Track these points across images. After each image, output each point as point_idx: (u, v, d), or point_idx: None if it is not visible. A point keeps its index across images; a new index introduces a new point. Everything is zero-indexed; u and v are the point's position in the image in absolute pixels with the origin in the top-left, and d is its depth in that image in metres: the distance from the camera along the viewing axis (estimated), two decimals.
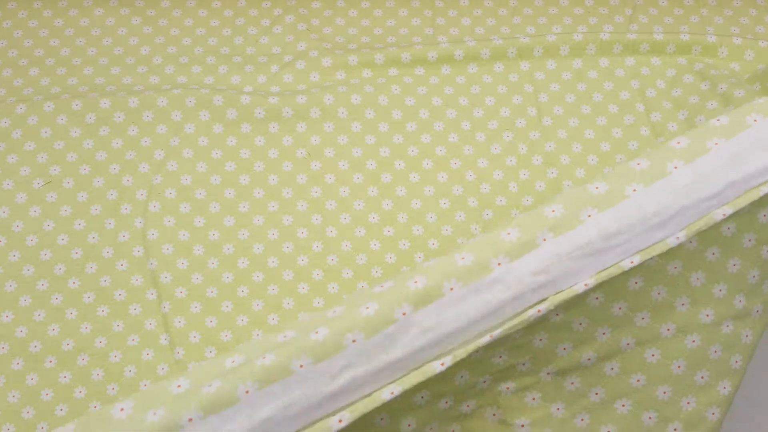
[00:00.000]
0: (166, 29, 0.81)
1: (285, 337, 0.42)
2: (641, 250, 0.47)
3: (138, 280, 0.67)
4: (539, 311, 0.46)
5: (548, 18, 0.84)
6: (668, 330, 0.53)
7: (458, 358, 0.45)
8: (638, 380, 0.54)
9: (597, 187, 0.47)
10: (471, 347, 0.45)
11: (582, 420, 0.54)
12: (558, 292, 0.46)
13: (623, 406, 0.54)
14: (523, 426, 0.54)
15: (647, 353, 0.54)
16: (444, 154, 0.74)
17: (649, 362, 0.54)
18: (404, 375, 0.44)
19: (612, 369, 0.54)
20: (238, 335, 0.66)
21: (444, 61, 0.78)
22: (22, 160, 0.71)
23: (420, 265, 0.45)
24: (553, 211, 0.46)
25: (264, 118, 0.74)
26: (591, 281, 0.46)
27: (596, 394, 0.54)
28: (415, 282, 0.44)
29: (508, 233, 0.45)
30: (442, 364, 0.44)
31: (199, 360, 0.65)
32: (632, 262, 0.46)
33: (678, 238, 0.47)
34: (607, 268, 0.46)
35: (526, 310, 0.46)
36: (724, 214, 0.47)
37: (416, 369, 0.44)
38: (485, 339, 0.45)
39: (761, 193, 0.47)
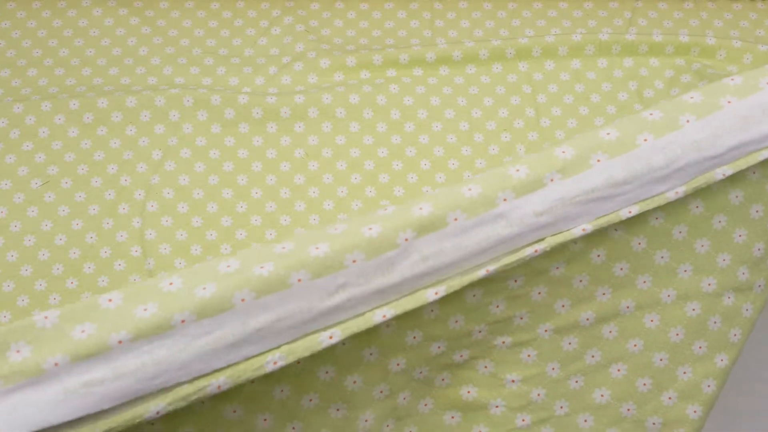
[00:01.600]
0: (165, 30, 0.81)
1: (284, 248, 0.41)
2: (641, 201, 0.47)
3: (136, 280, 0.67)
4: (536, 251, 0.46)
5: (547, 21, 0.84)
6: (669, 296, 0.53)
7: (452, 289, 0.45)
8: (635, 345, 0.54)
9: (608, 133, 0.47)
10: (466, 279, 0.45)
11: (576, 382, 0.54)
12: (555, 234, 0.46)
13: (618, 370, 0.54)
14: (513, 381, 0.54)
15: (646, 318, 0.54)
16: (442, 155, 0.74)
17: (647, 327, 0.54)
18: (397, 299, 0.44)
19: (610, 332, 0.54)
20: None
21: (442, 62, 0.78)
22: (20, 160, 0.71)
23: (426, 194, 0.45)
24: (564, 152, 0.46)
25: (262, 118, 0.74)
26: (589, 227, 0.46)
27: (592, 356, 0.54)
28: (421, 209, 0.43)
29: (517, 170, 0.45)
30: (436, 293, 0.44)
31: None
32: (630, 212, 0.47)
33: (677, 192, 0.47)
34: (605, 215, 0.47)
35: (523, 247, 0.46)
36: (724, 174, 0.48)
37: (410, 295, 0.44)
38: (481, 272, 0.45)
39: (761, 158, 0.48)
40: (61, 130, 0.73)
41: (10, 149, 0.71)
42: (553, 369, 0.54)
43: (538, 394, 0.54)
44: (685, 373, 0.54)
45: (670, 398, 0.54)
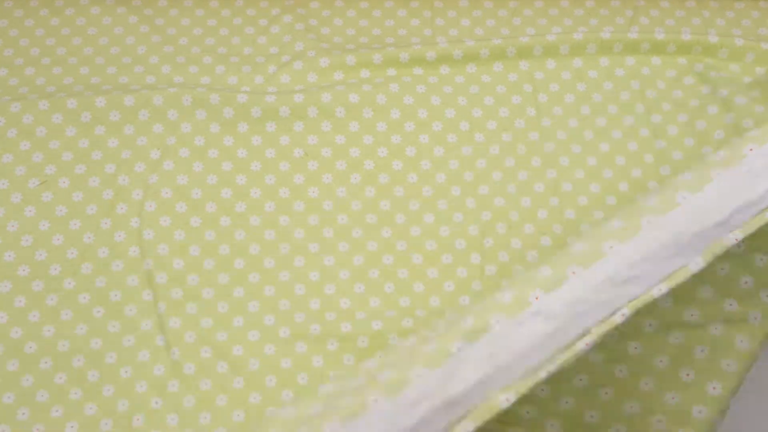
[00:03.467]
0: (163, 28, 0.80)
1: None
2: (666, 277, 0.46)
3: (134, 280, 0.67)
4: (587, 344, 0.45)
5: (548, 19, 0.83)
6: (650, 325, 0.55)
7: (521, 393, 0.43)
8: (620, 370, 0.56)
9: (613, 224, 0.47)
10: (530, 381, 0.43)
11: (566, 402, 0.56)
12: (599, 324, 0.45)
13: (606, 393, 0.56)
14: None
15: (630, 345, 0.56)
16: (442, 155, 0.74)
17: (630, 354, 0.56)
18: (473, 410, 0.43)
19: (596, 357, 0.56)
20: (234, 336, 0.66)
21: (443, 61, 0.78)
22: (18, 159, 0.70)
23: (466, 307, 0.46)
24: (577, 246, 0.46)
25: (261, 117, 0.74)
26: (626, 311, 0.45)
27: (580, 379, 0.56)
28: (466, 320, 0.43)
29: (541, 270, 0.45)
30: (507, 399, 0.43)
31: (194, 360, 0.65)
32: (660, 290, 0.46)
33: (697, 263, 0.46)
34: (638, 297, 0.46)
35: (573, 342, 0.45)
36: (737, 239, 0.46)
37: (482, 402, 0.43)
38: (542, 374, 0.44)
39: None
40: (58, 129, 0.72)
41: (8, 148, 0.71)
42: (542, 390, 0.55)
43: (527, 412, 0.55)
44: (672, 398, 0.55)
45: (659, 421, 0.55)
